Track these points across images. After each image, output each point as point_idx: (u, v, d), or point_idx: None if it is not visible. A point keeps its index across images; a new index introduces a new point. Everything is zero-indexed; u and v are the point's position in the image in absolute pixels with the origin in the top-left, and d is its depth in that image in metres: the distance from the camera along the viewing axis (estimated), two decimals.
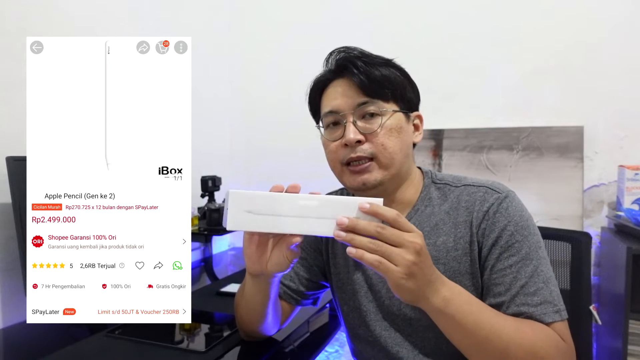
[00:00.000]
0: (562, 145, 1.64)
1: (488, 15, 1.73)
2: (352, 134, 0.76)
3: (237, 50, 2.11)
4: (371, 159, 0.77)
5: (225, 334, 0.98)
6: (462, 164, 1.76)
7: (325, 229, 0.62)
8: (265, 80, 2.09)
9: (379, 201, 0.62)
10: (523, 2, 1.68)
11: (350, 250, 0.60)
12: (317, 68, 0.84)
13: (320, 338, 1.21)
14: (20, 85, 1.16)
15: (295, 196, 0.63)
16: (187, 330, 1.06)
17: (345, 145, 0.77)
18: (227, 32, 2.09)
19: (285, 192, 0.65)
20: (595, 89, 1.62)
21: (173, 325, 1.09)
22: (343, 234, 0.60)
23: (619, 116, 1.60)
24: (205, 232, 1.55)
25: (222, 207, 1.57)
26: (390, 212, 0.61)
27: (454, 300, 0.65)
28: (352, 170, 0.78)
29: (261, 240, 0.70)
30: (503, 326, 0.66)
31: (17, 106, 1.17)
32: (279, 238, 0.69)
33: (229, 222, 0.62)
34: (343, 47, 0.80)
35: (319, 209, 0.62)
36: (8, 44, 1.14)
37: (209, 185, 1.68)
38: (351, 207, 0.62)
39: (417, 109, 0.85)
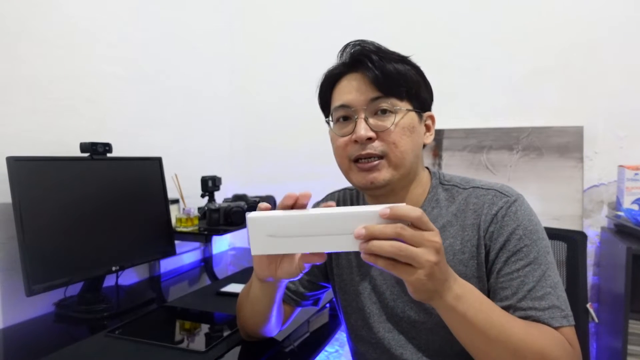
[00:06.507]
0: (562, 145, 1.64)
1: (488, 15, 1.73)
2: (363, 130, 0.73)
3: (237, 50, 2.11)
4: (381, 157, 0.74)
5: (225, 334, 0.98)
6: (462, 164, 1.76)
7: (349, 243, 0.58)
8: (265, 80, 2.09)
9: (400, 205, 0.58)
10: (523, 2, 1.68)
11: (364, 256, 0.57)
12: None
13: (320, 338, 1.21)
14: (20, 85, 1.17)
15: (314, 214, 0.59)
16: (187, 330, 1.06)
17: (355, 141, 0.75)
18: (227, 32, 2.09)
19: (297, 200, 0.62)
20: (595, 89, 1.62)
21: (173, 325, 1.09)
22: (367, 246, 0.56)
23: (619, 116, 1.60)
24: (205, 232, 1.54)
25: (222, 207, 1.57)
26: (415, 212, 0.56)
27: (466, 298, 0.62)
28: (360, 168, 0.76)
29: None
30: (513, 327, 0.64)
31: (17, 106, 1.17)
32: None
33: (252, 249, 0.62)
34: (359, 41, 0.78)
35: (339, 224, 0.58)
36: (8, 44, 1.14)
37: (209, 185, 1.68)
38: (372, 217, 0.57)
39: (429, 109, 0.83)
